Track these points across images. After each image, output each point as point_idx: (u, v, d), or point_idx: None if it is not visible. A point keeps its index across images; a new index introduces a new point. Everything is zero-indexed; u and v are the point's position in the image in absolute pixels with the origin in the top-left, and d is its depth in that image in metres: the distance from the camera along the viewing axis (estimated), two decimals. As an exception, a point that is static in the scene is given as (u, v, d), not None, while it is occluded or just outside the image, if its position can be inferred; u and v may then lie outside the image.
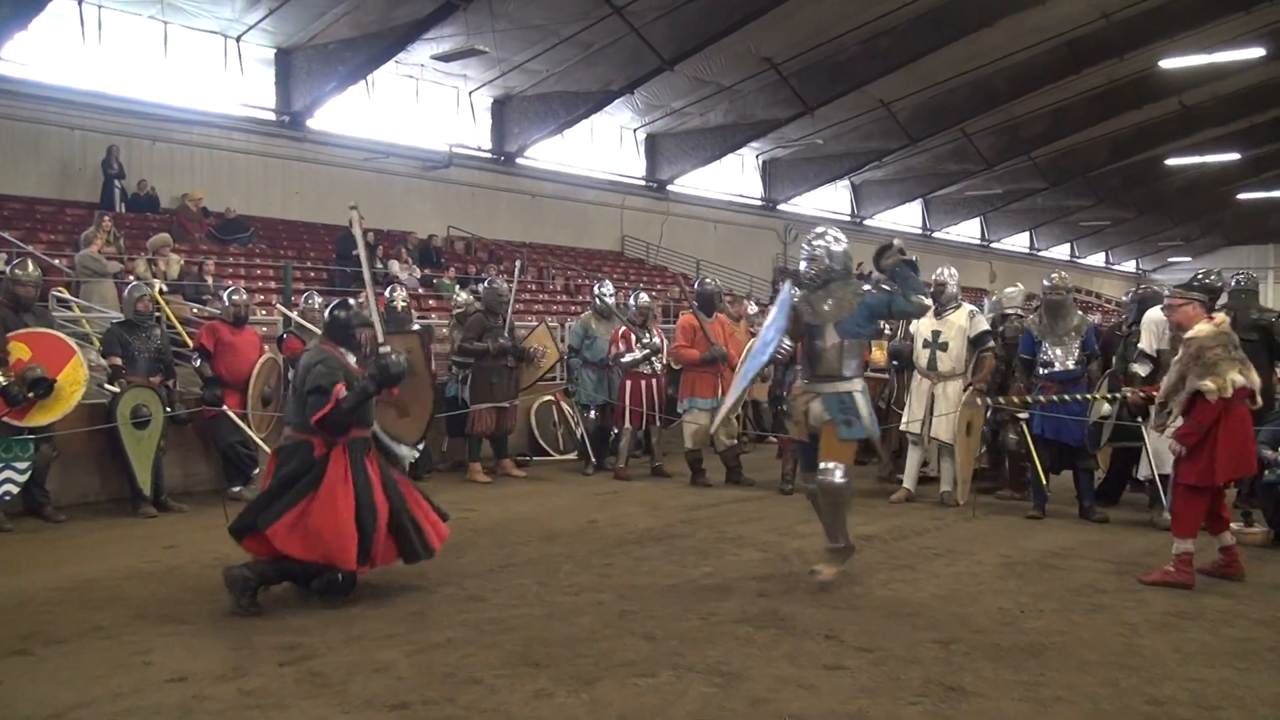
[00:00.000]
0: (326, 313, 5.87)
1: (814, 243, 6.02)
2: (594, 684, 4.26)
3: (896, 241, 5.95)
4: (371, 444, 5.66)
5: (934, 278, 8.76)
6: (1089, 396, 7.75)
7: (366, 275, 6.01)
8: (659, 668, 4.45)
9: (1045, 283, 8.36)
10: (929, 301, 6.06)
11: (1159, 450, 7.56)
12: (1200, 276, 7.48)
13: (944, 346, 8.58)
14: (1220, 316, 6.12)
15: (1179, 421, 5.99)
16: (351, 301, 5.94)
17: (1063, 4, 21.59)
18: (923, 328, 8.70)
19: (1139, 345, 7.73)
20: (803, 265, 6.07)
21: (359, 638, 4.85)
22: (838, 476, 5.78)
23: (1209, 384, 5.79)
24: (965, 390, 8.51)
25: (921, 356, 8.69)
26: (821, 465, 5.81)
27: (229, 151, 18.98)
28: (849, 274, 6.03)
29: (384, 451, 5.80)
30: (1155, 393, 6.70)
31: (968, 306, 8.79)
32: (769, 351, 5.93)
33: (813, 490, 5.97)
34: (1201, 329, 5.93)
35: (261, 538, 5.32)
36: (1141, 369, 7.65)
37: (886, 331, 10.56)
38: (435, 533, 5.75)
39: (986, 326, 8.72)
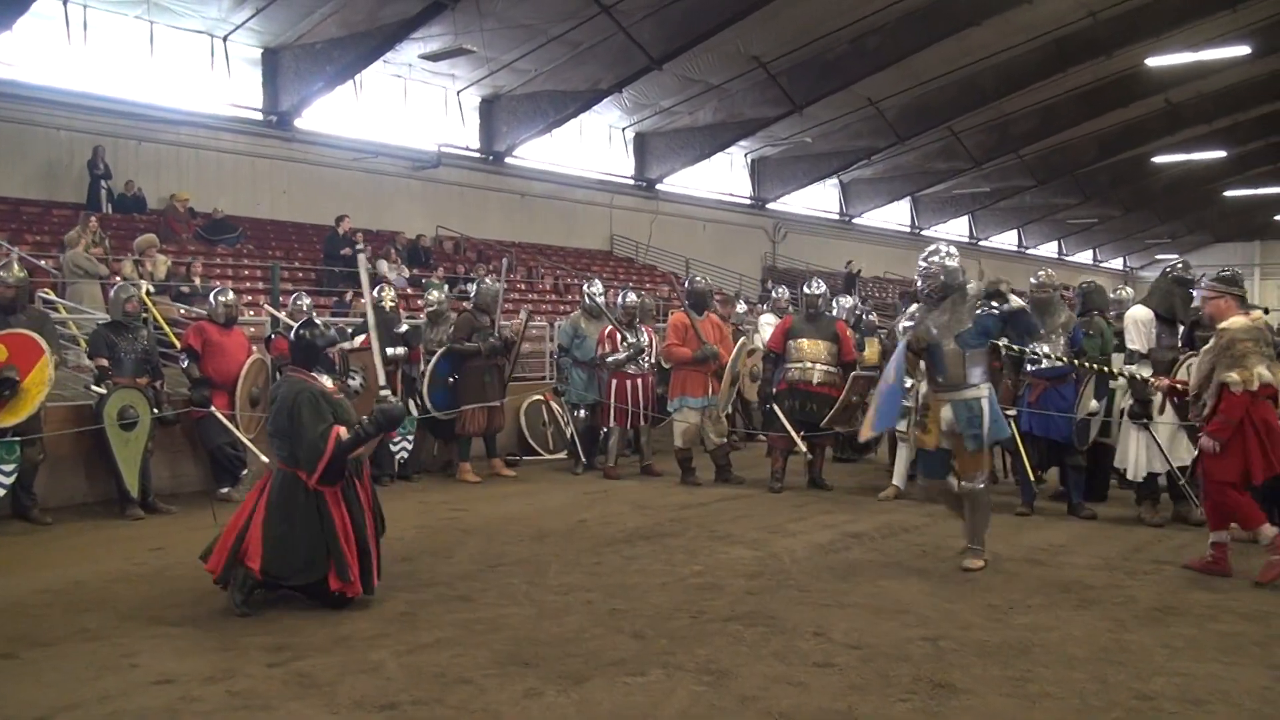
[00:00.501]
0: (291, 334, 5.77)
1: (929, 259, 6.31)
2: (584, 683, 4.25)
3: (1003, 286, 6.30)
4: (361, 463, 5.61)
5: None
6: (1141, 377, 7.44)
7: (369, 311, 6.02)
8: (648, 666, 4.45)
9: (1032, 280, 8.40)
10: (1046, 348, 6.48)
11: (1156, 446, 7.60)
12: (1169, 269, 7.63)
13: None
14: (1256, 312, 6.17)
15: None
16: (317, 320, 5.87)
17: (1050, 2, 21.65)
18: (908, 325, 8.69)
19: (1131, 346, 7.68)
20: (919, 283, 6.40)
21: (347, 638, 4.84)
22: (979, 483, 6.24)
23: (1234, 375, 5.83)
24: None
25: None
26: (966, 479, 6.25)
27: (216, 152, 18.89)
28: (964, 287, 6.27)
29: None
30: (1177, 383, 6.86)
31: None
32: (897, 402, 6.50)
33: (931, 494, 6.60)
34: (1235, 321, 5.98)
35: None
36: (1144, 369, 7.48)
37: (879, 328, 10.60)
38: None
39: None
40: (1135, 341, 7.54)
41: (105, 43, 17.20)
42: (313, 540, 5.31)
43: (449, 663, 4.50)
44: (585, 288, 11.01)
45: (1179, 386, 6.90)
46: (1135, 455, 7.73)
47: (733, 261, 27.52)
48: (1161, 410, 7.51)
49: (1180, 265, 7.81)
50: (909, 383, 6.88)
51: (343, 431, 5.33)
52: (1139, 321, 7.55)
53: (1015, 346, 7.58)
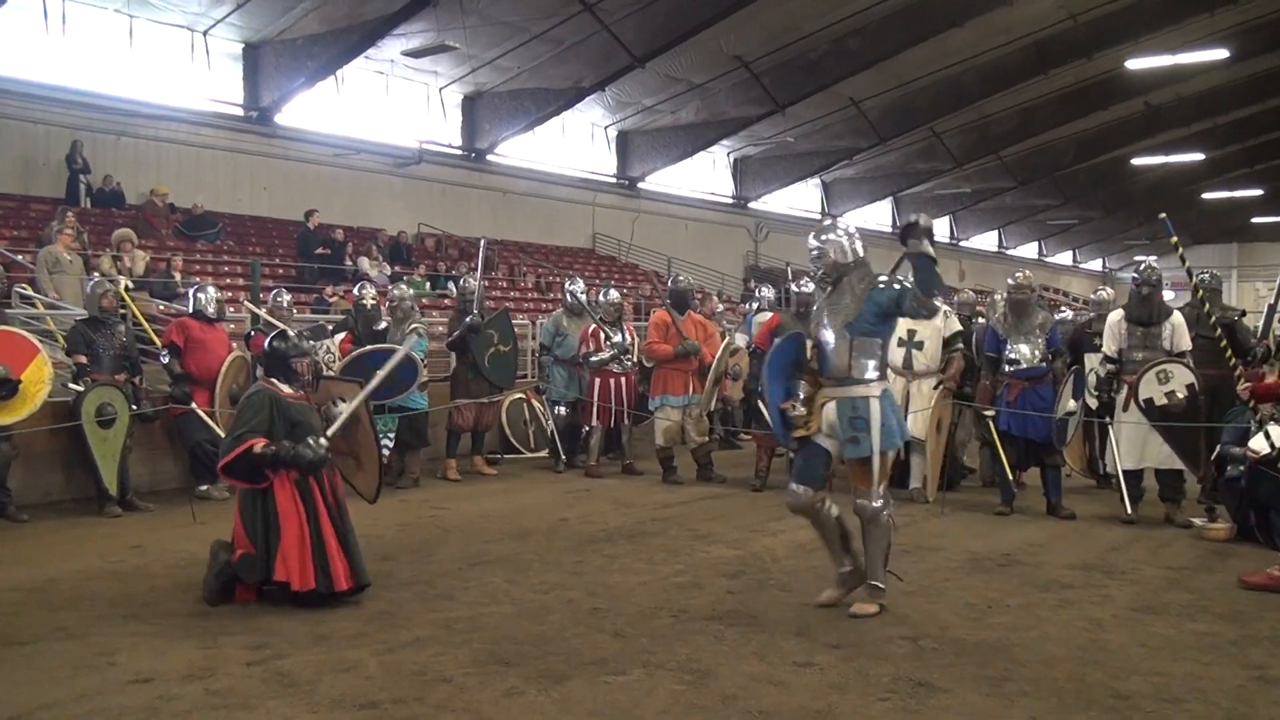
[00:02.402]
0: (266, 343, 5.82)
1: (821, 237, 5.39)
2: (564, 682, 4.25)
3: (923, 220, 5.16)
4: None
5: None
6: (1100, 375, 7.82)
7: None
8: (629, 665, 4.45)
9: (1010, 281, 8.46)
10: (940, 304, 5.40)
11: (1122, 445, 7.72)
12: (1142, 270, 7.80)
13: (920, 345, 8.64)
14: None
15: None
16: (290, 332, 5.87)
17: (1030, 4, 21.77)
18: (898, 326, 8.75)
19: (1103, 349, 8.00)
20: (812, 267, 5.57)
21: (327, 637, 4.82)
22: (870, 502, 5.27)
23: None
24: (936, 388, 8.60)
25: (896, 355, 8.71)
26: (859, 495, 5.33)
27: (196, 147, 18.76)
28: (862, 265, 5.34)
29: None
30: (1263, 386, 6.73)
31: (942, 305, 8.86)
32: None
33: (801, 503, 5.43)
34: None
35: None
36: (1100, 368, 8.00)
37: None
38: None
39: (959, 327, 8.84)
40: (1105, 344, 7.99)
41: (84, 36, 17.06)
42: (259, 539, 5.34)
43: (429, 661, 4.49)
44: (567, 286, 11.00)
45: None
46: (1110, 453, 7.95)
47: (715, 260, 27.56)
48: (1125, 408, 7.66)
49: (1144, 267, 7.98)
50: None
51: (258, 444, 5.30)
52: (1109, 325, 7.99)
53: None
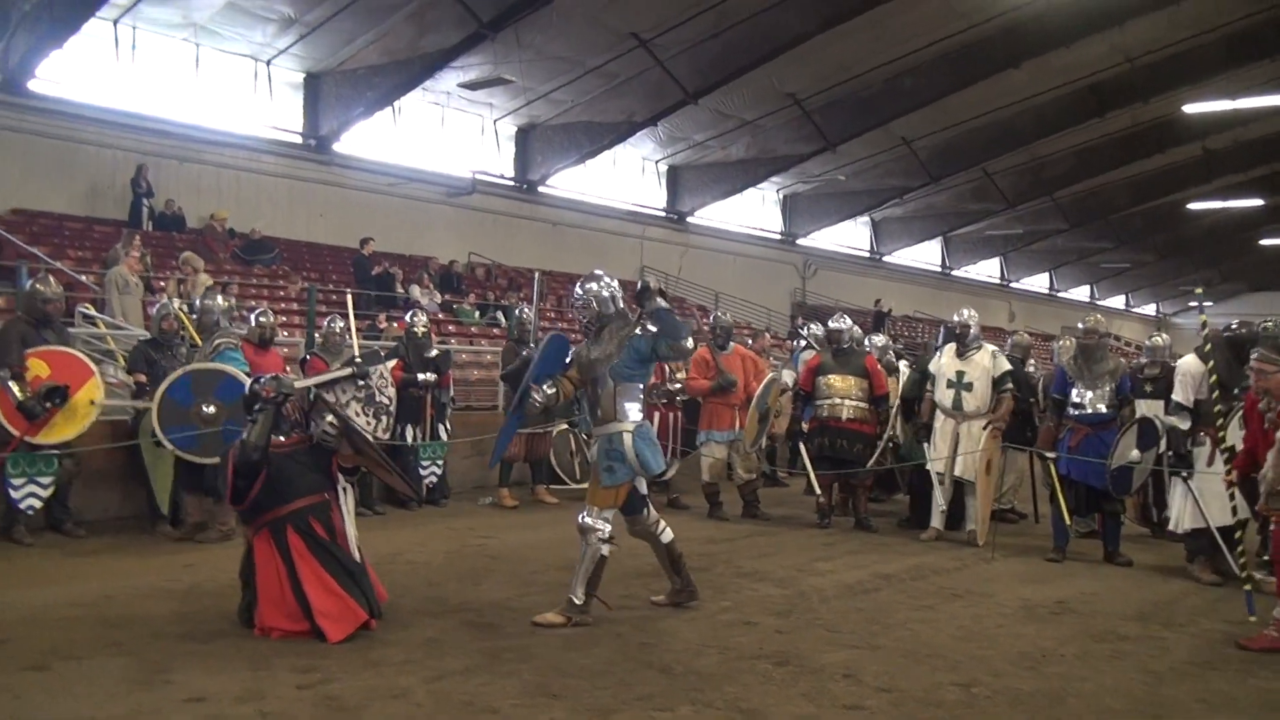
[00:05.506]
0: (247, 388, 5.80)
1: (585, 286, 5.98)
2: (611, 716, 4.24)
3: (653, 283, 5.94)
4: (306, 515, 5.44)
5: (956, 319, 8.81)
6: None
7: None
8: (677, 702, 4.43)
9: (1080, 325, 8.32)
10: (690, 344, 5.91)
11: (1207, 502, 7.31)
12: (1235, 327, 7.40)
13: (969, 387, 8.57)
14: None
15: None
16: (264, 377, 5.78)
17: (1086, 47, 21.64)
18: (946, 368, 8.70)
19: (1174, 396, 7.54)
20: (578, 316, 6.10)
21: (376, 663, 4.84)
22: (585, 519, 5.85)
23: None
24: (985, 428, 8.51)
25: (946, 396, 8.66)
26: (585, 510, 5.90)
27: (256, 173, 19.13)
28: (622, 316, 5.96)
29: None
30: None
31: (989, 347, 8.80)
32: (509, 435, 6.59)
33: (632, 530, 6.15)
34: None
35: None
36: (1181, 422, 7.45)
37: (902, 367, 10.57)
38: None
39: (1009, 366, 8.73)
40: (1177, 392, 7.51)
41: (152, 64, 17.49)
42: (251, 587, 5.42)
43: (477, 691, 4.49)
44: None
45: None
46: (1178, 509, 7.61)
47: (762, 296, 27.51)
48: (1210, 462, 7.31)
49: (1236, 325, 7.44)
50: None
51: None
52: (1187, 373, 7.46)
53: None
